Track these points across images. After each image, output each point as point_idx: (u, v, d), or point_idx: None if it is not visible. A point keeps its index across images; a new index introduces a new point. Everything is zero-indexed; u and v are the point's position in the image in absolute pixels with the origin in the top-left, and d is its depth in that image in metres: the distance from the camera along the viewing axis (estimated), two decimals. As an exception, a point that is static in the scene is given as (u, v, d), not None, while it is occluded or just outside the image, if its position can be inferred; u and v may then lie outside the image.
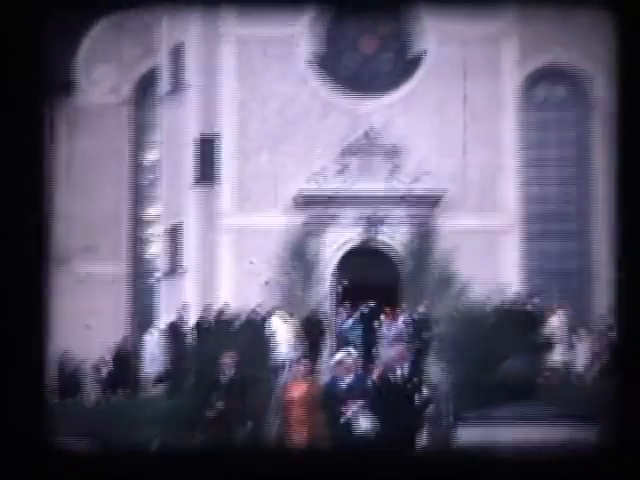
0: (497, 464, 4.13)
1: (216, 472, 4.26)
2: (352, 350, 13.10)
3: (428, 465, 4.40)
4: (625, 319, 3.86)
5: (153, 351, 23.74)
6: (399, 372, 11.65)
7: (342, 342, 21.72)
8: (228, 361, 13.38)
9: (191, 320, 23.10)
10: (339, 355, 12.27)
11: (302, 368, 12.28)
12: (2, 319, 4.12)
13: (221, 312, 22.81)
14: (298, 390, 11.96)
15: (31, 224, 4.19)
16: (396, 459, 4.53)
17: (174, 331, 22.50)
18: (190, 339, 22.01)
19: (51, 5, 4.13)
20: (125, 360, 23.89)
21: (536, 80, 30.43)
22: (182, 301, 25.06)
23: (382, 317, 23.05)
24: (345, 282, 26.12)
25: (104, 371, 24.53)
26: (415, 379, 11.86)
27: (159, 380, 23.28)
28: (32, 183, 4.16)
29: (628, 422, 3.84)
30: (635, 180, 3.95)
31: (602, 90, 29.52)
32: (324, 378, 18.01)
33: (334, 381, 12.04)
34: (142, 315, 29.82)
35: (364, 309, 22.93)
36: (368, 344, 22.30)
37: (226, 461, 4.36)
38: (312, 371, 20.07)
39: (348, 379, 11.67)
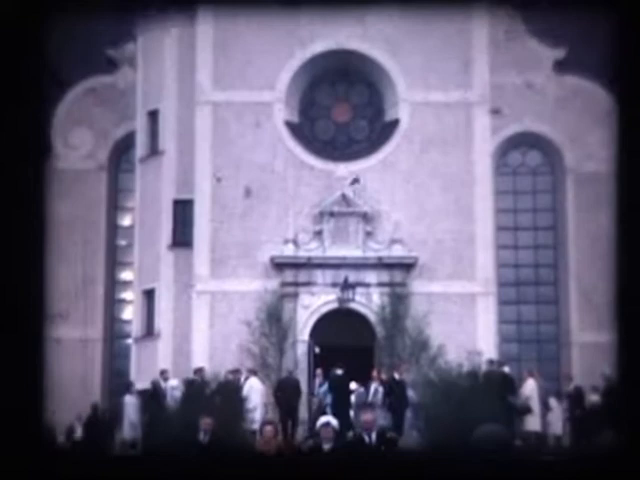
0: (499, 465, 4.15)
1: (216, 474, 4.25)
2: (332, 418, 13.08)
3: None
4: (627, 320, 3.92)
5: (131, 415, 23.55)
6: (373, 437, 11.62)
7: (319, 405, 21.62)
8: (208, 421, 13.47)
9: (169, 383, 23.02)
10: (321, 422, 12.23)
11: (269, 432, 12.21)
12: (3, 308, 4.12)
13: (198, 375, 22.77)
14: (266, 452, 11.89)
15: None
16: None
17: (154, 394, 22.38)
18: (169, 402, 21.91)
19: (51, 5, 4.17)
20: (97, 426, 23.63)
21: (509, 147, 30.83)
22: (156, 365, 24.91)
23: (354, 383, 22.98)
24: (317, 349, 26.11)
25: (75, 437, 24.25)
26: (389, 444, 11.83)
27: (134, 445, 23.06)
28: (32, 183, 4.18)
29: (630, 429, 3.88)
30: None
31: (573, 158, 29.96)
32: (306, 443, 17.92)
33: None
34: (115, 379, 29.55)
35: (338, 373, 22.85)
36: (344, 408, 22.17)
37: (226, 463, 4.36)
38: (285, 434, 19.96)
39: (328, 445, 11.64)
